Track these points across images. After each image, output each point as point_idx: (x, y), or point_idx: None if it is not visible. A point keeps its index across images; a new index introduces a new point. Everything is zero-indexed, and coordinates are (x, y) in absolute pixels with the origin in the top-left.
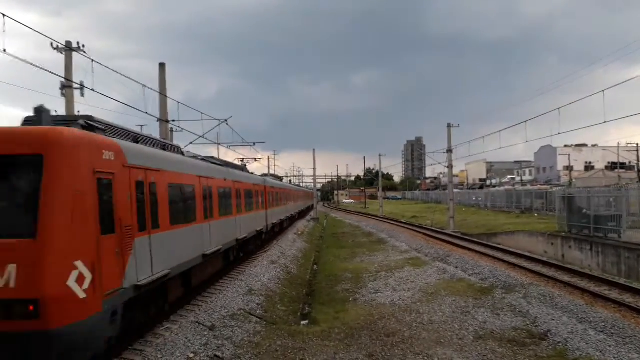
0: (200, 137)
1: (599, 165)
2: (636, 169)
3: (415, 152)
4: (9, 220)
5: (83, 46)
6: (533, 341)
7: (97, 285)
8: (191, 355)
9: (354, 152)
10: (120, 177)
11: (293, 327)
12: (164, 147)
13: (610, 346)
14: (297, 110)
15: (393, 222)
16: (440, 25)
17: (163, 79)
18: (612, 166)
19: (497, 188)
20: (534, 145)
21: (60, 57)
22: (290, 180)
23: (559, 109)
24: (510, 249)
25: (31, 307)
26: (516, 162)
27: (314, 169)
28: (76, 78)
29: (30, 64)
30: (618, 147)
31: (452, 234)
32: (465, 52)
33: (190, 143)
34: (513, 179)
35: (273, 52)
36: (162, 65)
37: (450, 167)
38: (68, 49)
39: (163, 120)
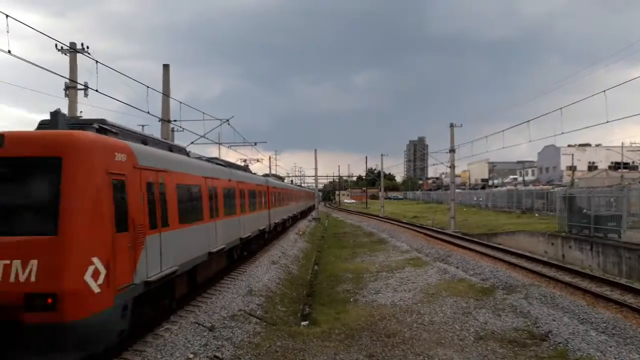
0: (202, 137)
1: (603, 165)
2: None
3: (417, 152)
4: (31, 218)
5: (87, 47)
6: (534, 342)
7: (110, 281)
8: (191, 356)
9: (356, 152)
10: (132, 178)
11: (293, 328)
12: (170, 148)
13: (611, 347)
14: (299, 110)
15: (394, 222)
16: (440, 25)
17: (167, 80)
18: (616, 166)
19: (498, 188)
20: (537, 145)
21: (65, 58)
22: (291, 181)
23: (561, 109)
24: (511, 249)
25: (50, 300)
26: (519, 162)
27: (316, 169)
28: (80, 79)
29: (36, 65)
30: (622, 147)
31: (453, 234)
32: (465, 52)
33: (192, 143)
34: (515, 179)
35: (276, 53)
36: (166, 67)
37: (452, 167)
38: (72, 50)
39: (165, 120)
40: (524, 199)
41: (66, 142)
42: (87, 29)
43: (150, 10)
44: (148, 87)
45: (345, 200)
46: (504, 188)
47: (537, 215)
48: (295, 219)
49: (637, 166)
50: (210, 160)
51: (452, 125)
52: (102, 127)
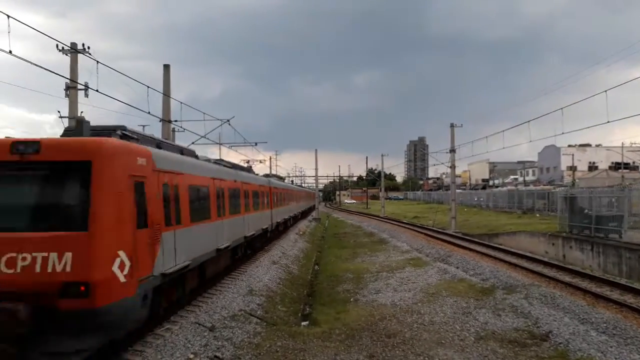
0: (202, 137)
1: (603, 165)
2: None
3: (418, 152)
4: (65, 216)
5: (88, 48)
6: (534, 342)
7: (133, 272)
8: (191, 356)
9: (356, 152)
10: (151, 180)
11: (293, 328)
12: (181, 151)
13: (611, 347)
14: (299, 110)
15: (394, 223)
16: (441, 25)
17: (167, 80)
18: (616, 166)
19: (499, 188)
20: (538, 145)
21: (66, 58)
22: (292, 181)
23: (562, 109)
24: (512, 249)
25: (82, 288)
26: (519, 162)
27: (316, 169)
28: (81, 79)
29: (36, 65)
30: (622, 147)
31: (454, 234)
32: (465, 52)
33: (192, 143)
34: (516, 179)
35: (276, 53)
36: (166, 67)
37: (453, 167)
38: (73, 50)
39: (166, 121)
40: (525, 199)
41: (95, 148)
42: (88, 30)
43: (150, 10)
44: (148, 87)
45: (346, 201)
46: (504, 188)
47: (538, 215)
48: (296, 219)
49: (637, 166)
50: (217, 162)
51: (452, 126)
52: (124, 133)
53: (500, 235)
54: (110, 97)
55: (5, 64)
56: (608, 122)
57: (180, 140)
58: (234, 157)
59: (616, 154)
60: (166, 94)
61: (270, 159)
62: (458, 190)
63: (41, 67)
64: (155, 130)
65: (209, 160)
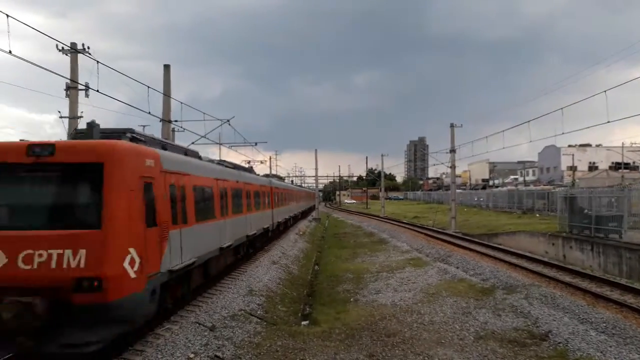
0: (202, 137)
1: (603, 165)
2: None
3: (418, 152)
4: (80, 214)
5: (88, 48)
6: (534, 342)
7: (143, 268)
8: (191, 356)
9: (356, 153)
10: (159, 180)
11: (293, 328)
12: (186, 152)
13: (611, 347)
14: (299, 110)
15: (394, 223)
16: (440, 25)
17: (167, 80)
18: (616, 166)
19: (499, 188)
20: (538, 145)
21: (66, 58)
22: (292, 181)
23: (562, 109)
24: (511, 249)
25: (95, 283)
26: (519, 162)
27: (316, 169)
28: (81, 79)
29: (36, 65)
30: (622, 147)
31: (454, 234)
32: (465, 52)
33: (192, 143)
34: (516, 179)
35: (276, 53)
36: (166, 67)
37: (453, 167)
38: (73, 50)
39: (166, 121)
40: (525, 199)
41: (107, 151)
42: (88, 30)
43: (150, 10)
44: (149, 87)
45: (346, 201)
46: (504, 188)
47: (538, 215)
48: (296, 219)
49: (637, 166)
50: (220, 162)
51: (452, 126)
52: (133, 136)
53: (500, 235)
54: (111, 97)
55: (6, 64)
56: (608, 122)
57: (180, 140)
58: (234, 157)
59: (616, 154)
60: (166, 94)
61: (270, 159)
62: (458, 190)
63: (41, 67)
64: (155, 130)
65: (211, 161)
